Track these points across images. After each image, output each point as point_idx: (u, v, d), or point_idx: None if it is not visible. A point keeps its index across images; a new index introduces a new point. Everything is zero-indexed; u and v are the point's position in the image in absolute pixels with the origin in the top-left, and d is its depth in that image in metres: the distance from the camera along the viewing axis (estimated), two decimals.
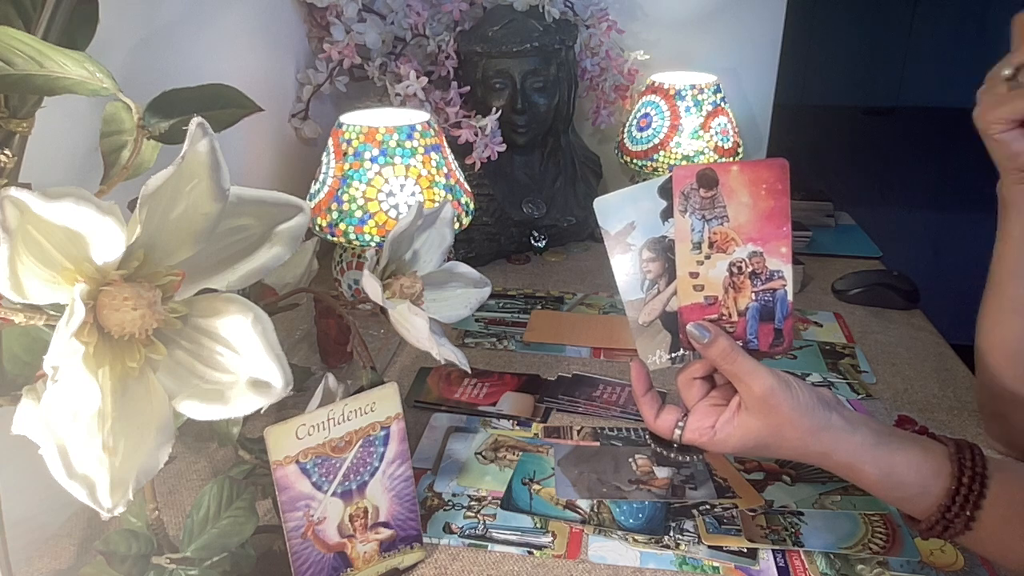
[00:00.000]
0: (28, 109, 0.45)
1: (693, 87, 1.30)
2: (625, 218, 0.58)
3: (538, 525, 0.71)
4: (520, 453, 0.80)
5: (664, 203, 0.58)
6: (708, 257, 0.58)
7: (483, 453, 0.81)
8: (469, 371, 0.67)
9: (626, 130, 1.37)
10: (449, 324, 0.70)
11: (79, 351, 0.39)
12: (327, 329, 0.93)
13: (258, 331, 0.45)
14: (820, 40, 3.21)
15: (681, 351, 0.60)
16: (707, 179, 0.57)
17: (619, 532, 0.70)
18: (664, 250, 0.58)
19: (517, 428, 0.85)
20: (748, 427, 0.57)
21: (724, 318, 0.59)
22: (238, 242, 0.47)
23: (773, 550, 0.68)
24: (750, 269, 0.58)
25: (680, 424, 0.60)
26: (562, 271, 1.25)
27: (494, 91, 1.20)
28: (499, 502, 0.73)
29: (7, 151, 0.44)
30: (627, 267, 0.59)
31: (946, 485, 0.54)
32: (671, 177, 0.57)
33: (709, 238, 0.58)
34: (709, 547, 0.68)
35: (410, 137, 0.97)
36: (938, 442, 0.57)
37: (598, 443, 0.82)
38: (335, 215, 0.97)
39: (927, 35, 3.52)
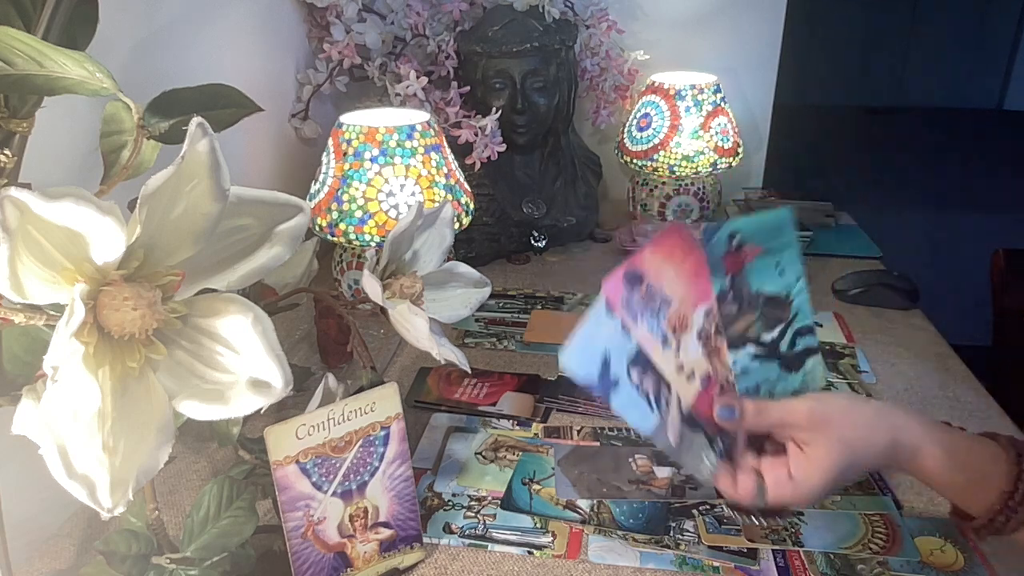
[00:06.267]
0: (28, 109, 0.45)
1: (693, 87, 1.30)
2: (596, 356, 0.56)
3: (538, 525, 0.71)
4: (520, 453, 0.80)
5: (619, 318, 0.56)
6: (679, 344, 0.56)
7: (483, 453, 0.81)
8: (469, 371, 0.67)
9: (626, 130, 1.38)
10: (449, 324, 0.70)
11: (79, 351, 0.39)
12: (327, 329, 0.93)
13: (258, 331, 0.45)
14: (820, 40, 3.21)
15: (720, 443, 0.58)
16: (633, 278, 0.56)
17: (619, 532, 0.70)
18: (646, 361, 0.57)
19: (517, 428, 0.85)
20: (819, 459, 0.55)
21: (726, 384, 0.57)
22: (238, 242, 0.47)
23: (773, 550, 0.68)
24: (714, 327, 0.56)
25: (761, 485, 0.56)
26: (562, 271, 1.25)
27: (494, 91, 1.20)
28: (499, 502, 0.73)
29: (7, 151, 0.44)
30: (628, 401, 0.56)
31: (1005, 470, 0.53)
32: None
33: (667, 325, 0.56)
34: (709, 547, 0.68)
35: (410, 137, 0.97)
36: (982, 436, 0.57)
37: (598, 443, 0.82)
38: (335, 215, 0.97)
39: (927, 35, 3.52)
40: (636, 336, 0.56)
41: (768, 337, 0.57)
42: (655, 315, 0.55)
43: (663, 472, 0.77)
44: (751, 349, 0.57)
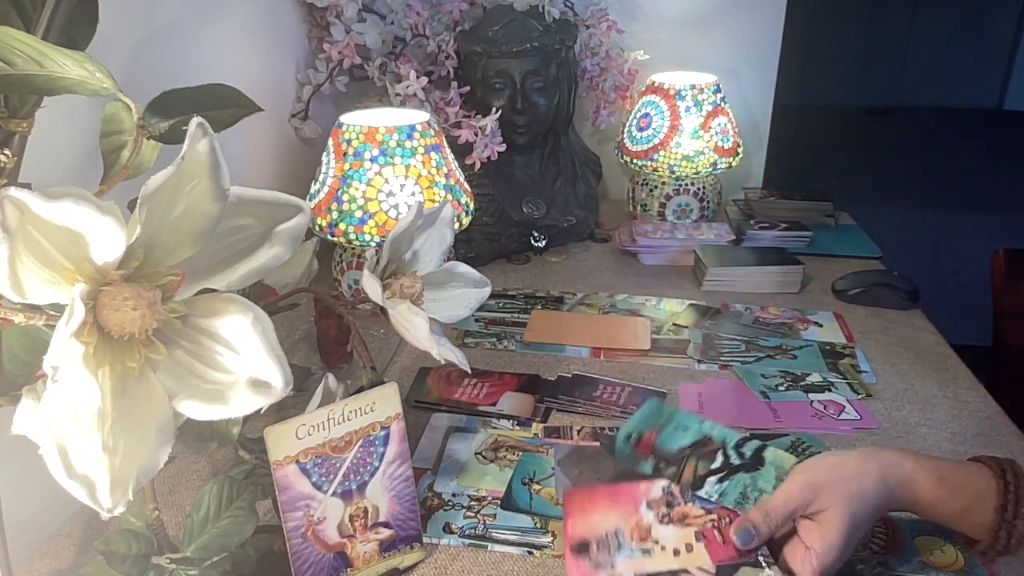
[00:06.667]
0: (28, 109, 0.45)
1: (693, 87, 1.30)
2: None
3: (538, 525, 0.71)
4: (520, 453, 0.80)
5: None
6: (657, 543, 0.62)
7: (483, 453, 0.81)
8: (469, 371, 0.67)
9: (626, 130, 1.38)
10: (449, 324, 0.70)
11: (79, 351, 0.39)
12: (327, 329, 0.93)
13: (258, 331, 0.45)
14: (820, 40, 3.21)
15: (760, 555, 0.61)
16: (581, 547, 0.63)
17: None
18: None
19: (517, 428, 0.85)
20: (828, 520, 0.57)
21: (717, 522, 0.63)
22: (238, 242, 0.47)
23: None
24: (664, 506, 0.64)
25: None
26: (562, 271, 1.25)
27: (494, 91, 1.20)
28: (499, 502, 0.73)
29: (7, 151, 0.44)
30: None
31: (994, 487, 0.55)
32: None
33: (635, 542, 0.62)
34: None
35: (410, 137, 0.97)
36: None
37: (598, 443, 0.82)
38: (335, 215, 0.97)
39: (927, 35, 3.52)
40: (627, 573, 0.61)
41: (716, 465, 0.66)
42: (621, 549, 0.62)
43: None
44: (712, 479, 0.65)
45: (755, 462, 0.66)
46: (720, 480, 0.65)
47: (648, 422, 0.69)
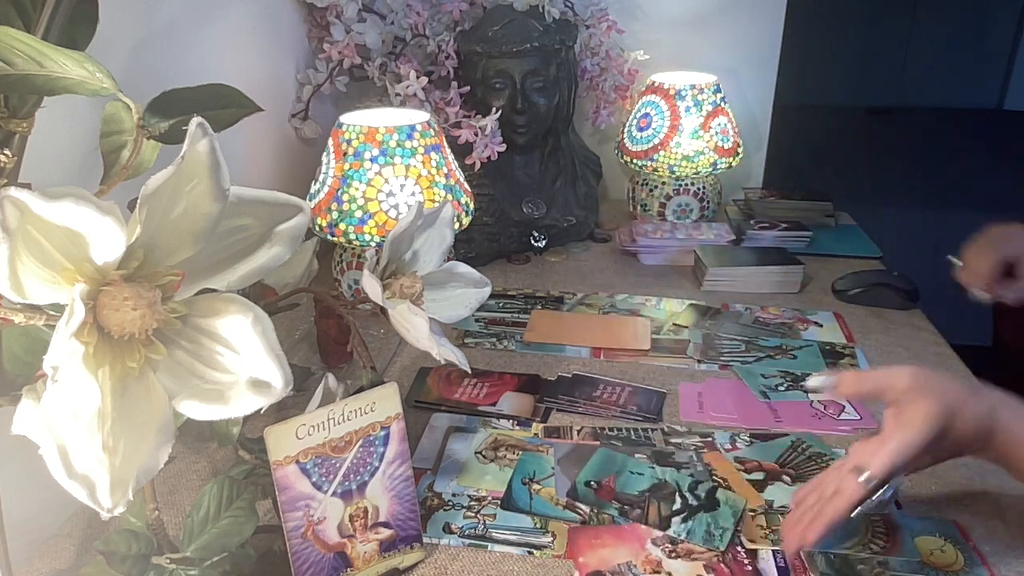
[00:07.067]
0: (28, 109, 0.45)
1: (693, 87, 1.30)
2: None
3: (538, 525, 0.71)
4: (520, 453, 0.80)
5: None
6: (670, 574, 0.64)
7: (483, 453, 0.81)
8: (469, 371, 0.67)
9: (626, 130, 1.38)
10: (449, 324, 0.70)
11: (79, 351, 0.39)
12: (327, 329, 0.93)
13: (258, 331, 0.45)
14: (820, 40, 3.21)
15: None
16: None
17: None
18: None
19: (517, 428, 0.85)
20: (918, 410, 0.54)
21: (722, 556, 0.66)
22: (238, 242, 0.47)
23: (773, 550, 0.68)
24: (669, 543, 0.67)
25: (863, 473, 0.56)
26: (562, 271, 1.25)
27: (494, 91, 1.20)
28: (499, 502, 0.73)
29: (7, 151, 0.44)
30: None
31: None
32: None
33: (648, 574, 0.64)
34: None
35: (410, 137, 0.97)
36: None
37: (598, 443, 0.82)
38: (335, 215, 0.97)
39: (927, 35, 3.52)
40: None
41: (677, 506, 0.71)
42: None
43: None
44: (677, 519, 0.70)
45: (711, 503, 0.72)
46: (684, 520, 0.70)
47: (603, 469, 0.75)
